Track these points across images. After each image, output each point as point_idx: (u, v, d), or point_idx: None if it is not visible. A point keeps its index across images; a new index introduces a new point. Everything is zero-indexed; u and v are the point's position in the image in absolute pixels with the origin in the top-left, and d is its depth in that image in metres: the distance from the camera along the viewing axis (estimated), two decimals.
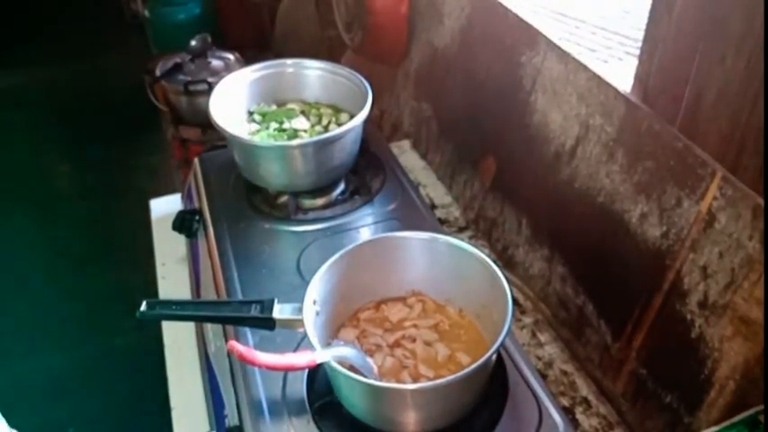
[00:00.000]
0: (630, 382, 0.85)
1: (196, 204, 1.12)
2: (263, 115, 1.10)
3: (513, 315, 0.69)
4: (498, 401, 0.73)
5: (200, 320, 0.99)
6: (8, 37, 3.83)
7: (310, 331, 0.67)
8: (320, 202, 1.03)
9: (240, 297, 0.88)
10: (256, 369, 0.76)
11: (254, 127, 1.08)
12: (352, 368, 0.68)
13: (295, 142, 1.02)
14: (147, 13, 2.93)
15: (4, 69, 3.60)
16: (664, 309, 0.78)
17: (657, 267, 0.78)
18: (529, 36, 1.00)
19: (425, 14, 1.37)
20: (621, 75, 0.85)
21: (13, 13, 4.03)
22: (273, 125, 1.08)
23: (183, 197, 1.27)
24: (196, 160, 1.16)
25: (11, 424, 0.81)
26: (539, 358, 0.96)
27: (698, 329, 0.73)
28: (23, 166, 2.94)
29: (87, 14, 3.98)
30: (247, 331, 0.82)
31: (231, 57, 1.87)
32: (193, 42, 1.81)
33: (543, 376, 0.92)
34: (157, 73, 1.80)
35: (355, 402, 0.69)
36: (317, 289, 0.72)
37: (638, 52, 0.81)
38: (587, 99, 0.88)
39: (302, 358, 0.65)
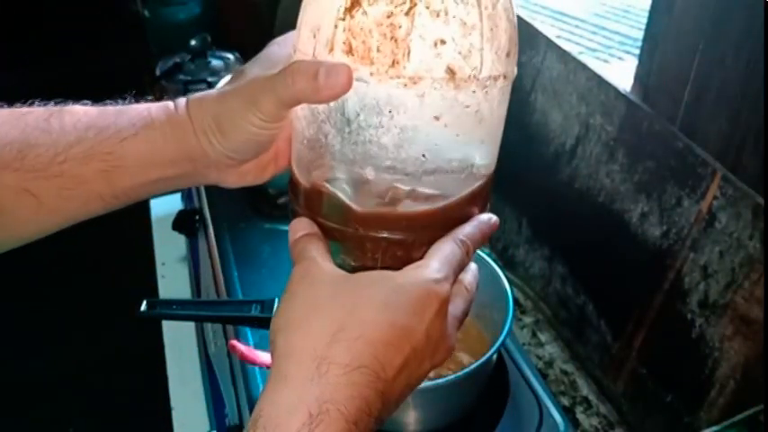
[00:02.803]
0: (631, 381, 0.85)
1: (196, 204, 1.12)
2: None
3: (514, 315, 0.69)
4: (499, 401, 0.73)
5: (200, 320, 0.99)
6: (3, 36, 3.82)
7: None
8: None
9: (240, 297, 0.88)
10: (257, 369, 0.76)
11: None
12: None
13: None
14: (146, 12, 2.93)
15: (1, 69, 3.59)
16: (664, 308, 0.78)
17: (658, 267, 0.78)
18: (529, 36, 1.00)
19: None
20: (622, 74, 0.85)
21: (7, 12, 4.02)
22: None
23: (183, 197, 1.27)
24: None
25: (10, 423, 0.81)
26: (539, 358, 0.96)
27: (698, 329, 0.73)
28: None
29: (86, 14, 3.97)
30: (248, 331, 0.82)
31: (231, 57, 1.87)
32: (193, 42, 1.80)
33: (544, 376, 0.92)
34: (157, 73, 1.80)
35: None
36: None
37: (638, 52, 0.81)
38: (587, 99, 0.88)
39: None
